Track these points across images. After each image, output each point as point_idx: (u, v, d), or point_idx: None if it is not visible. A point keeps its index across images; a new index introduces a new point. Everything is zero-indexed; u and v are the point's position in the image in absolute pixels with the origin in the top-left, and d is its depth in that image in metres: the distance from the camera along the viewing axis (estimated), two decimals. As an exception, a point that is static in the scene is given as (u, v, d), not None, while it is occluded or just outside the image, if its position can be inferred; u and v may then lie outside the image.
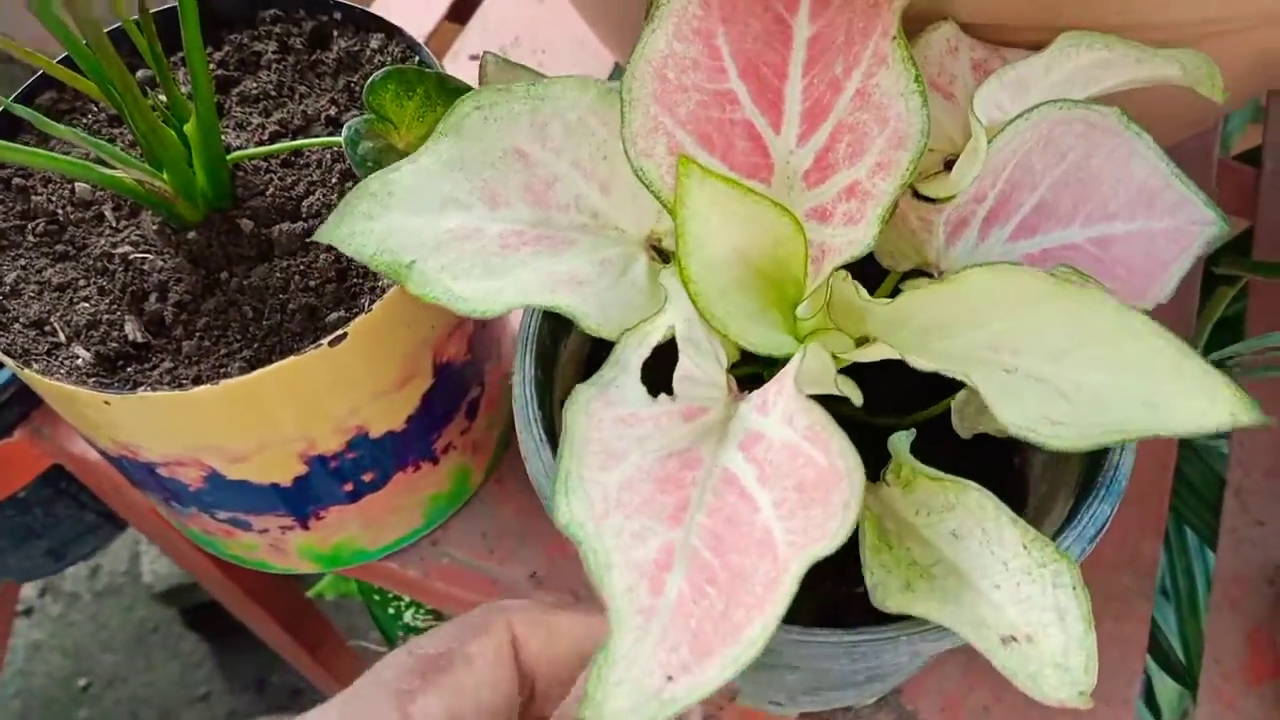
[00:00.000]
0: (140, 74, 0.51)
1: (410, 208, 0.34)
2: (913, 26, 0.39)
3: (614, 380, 0.30)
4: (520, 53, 0.71)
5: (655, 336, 0.31)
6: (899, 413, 0.40)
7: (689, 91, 0.35)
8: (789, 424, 0.29)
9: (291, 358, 0.41)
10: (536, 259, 0.35)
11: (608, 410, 0.29)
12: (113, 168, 0.43)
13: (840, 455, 0.27)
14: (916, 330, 0.34)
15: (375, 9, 0.75)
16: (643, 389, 0.30)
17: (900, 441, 0.35)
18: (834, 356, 0.34)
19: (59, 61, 0.47)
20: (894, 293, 0.36)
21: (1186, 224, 0.39)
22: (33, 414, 0.60)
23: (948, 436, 0.39)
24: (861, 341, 0.35)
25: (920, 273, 0.40)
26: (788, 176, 0.36)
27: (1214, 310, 0.56)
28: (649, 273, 0.36)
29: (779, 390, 0.30)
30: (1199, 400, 0.30)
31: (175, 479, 0.46)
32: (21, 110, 0.39)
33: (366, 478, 0.49)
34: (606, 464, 0.28)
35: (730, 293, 0.35)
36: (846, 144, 0.35)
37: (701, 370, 0.32)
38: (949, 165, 0.40)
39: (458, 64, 0.72)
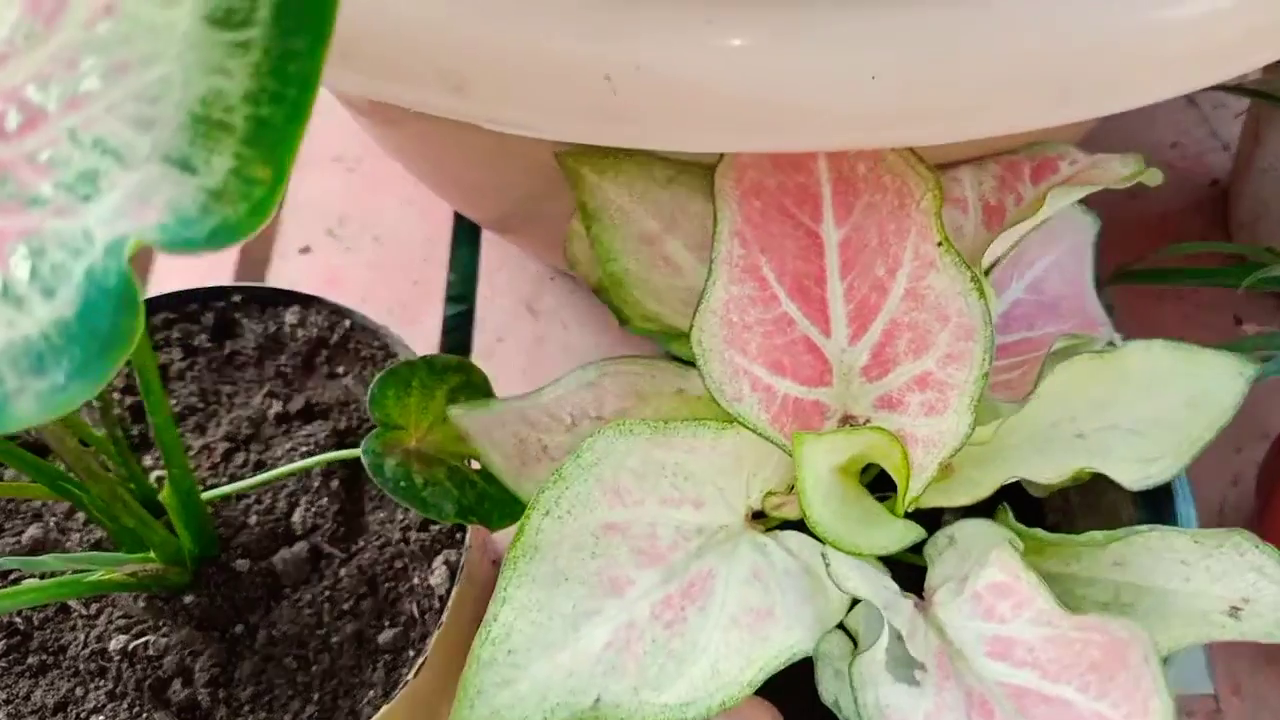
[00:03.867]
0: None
1: (542, 650, 0.31)
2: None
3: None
4: (351, 230, 0.67)
5: (882, 652, 0.32)
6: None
7: (753, 328, 0.35)
8: (1048, 625, 0.31)
9: (385, 708, 0.38)
10: (704, 617, 0.33)
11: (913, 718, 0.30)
12: (89, 571, 0.38)
13: (1123, 627, 0.30)
14: (999, 449, 0.37)
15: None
16: (903, 690, 0.31)
17: (1009, 521, 0.37)
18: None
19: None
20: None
21: (1075, 237, 0.45)
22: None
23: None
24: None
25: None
26: (844, 374, 0.37)
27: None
28: (754, 547, 0.36)
29: (1020, 602, 0.32)
30: (1224, 369, 0.37)
31: None
32: (10, 561, 0.34)
33: (436, 763, 0.46)
34: None
35: (845, 508, 0.36)
36: (907, 340, 0.36)
37: (902, 619, 0.33)
38: None
39: (289, 261, 0.67)
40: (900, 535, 0.36)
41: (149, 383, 0.36)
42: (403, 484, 0.38)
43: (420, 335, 0.64)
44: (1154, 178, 0.42)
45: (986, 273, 0.37)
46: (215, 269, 0.66)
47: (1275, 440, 0.57)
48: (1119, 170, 0.42)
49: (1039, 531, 0.37)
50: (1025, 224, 0.38)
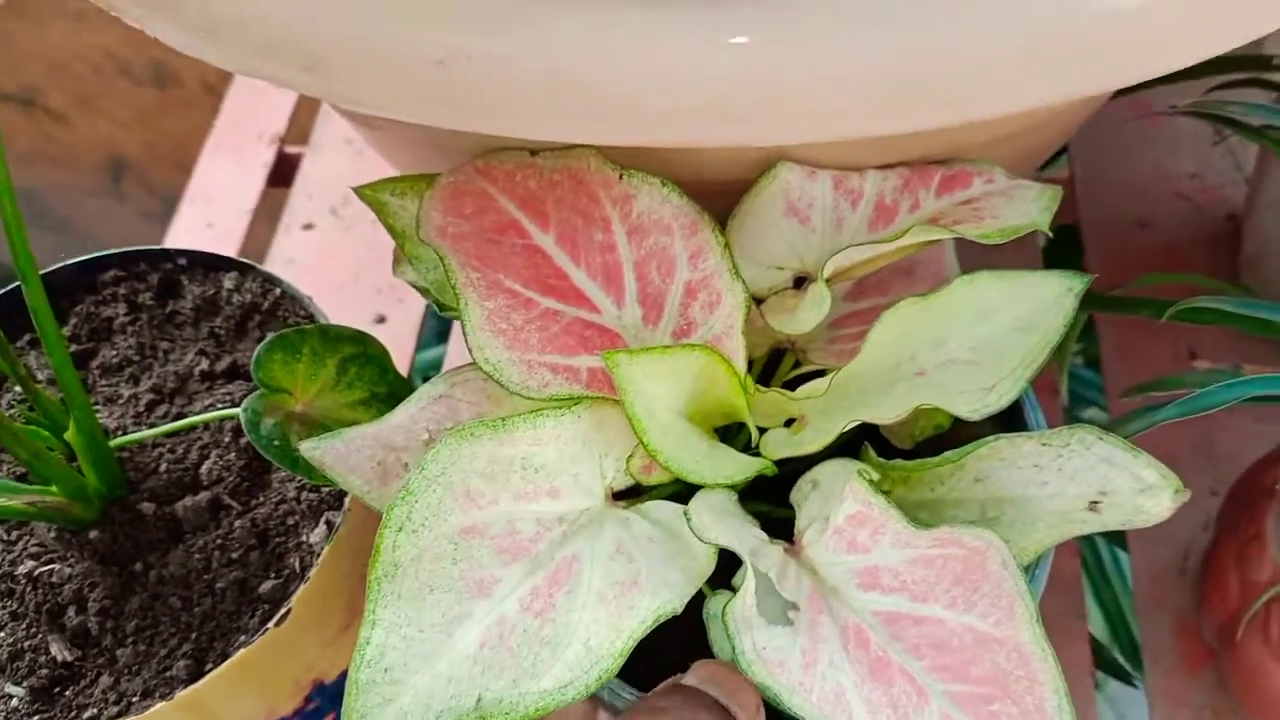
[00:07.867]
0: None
1: (419, 662, 0.32)
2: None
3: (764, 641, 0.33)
4: (352, 212, 0.70)
5: (750, 597, 0.33)
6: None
7: (525, 329, 0.36)
8: (907, 546, 0.33)
9: (241, 651, 0.40)
10: (571, 600, 0.33)
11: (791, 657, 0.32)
12: (-4, 495, 0.41)
13: (976, 536, 0.32)
14: (844, 398, 0.38)
15: (192, 187, 0.74)
16: (778, 631, 0.33)
17: (871, 458, 0.38)
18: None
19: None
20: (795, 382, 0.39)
21: None
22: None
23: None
24: (789, 423, 0.39)
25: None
26: (633, 333, 0.38)
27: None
28: (617, 523, 0.36)
29: (876, 529, 0.33)
30: (1050, 289, 0.38)
31: (136, 782, 0.45)
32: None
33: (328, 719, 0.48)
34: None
35: (689, 442, 0.37)
36: (655, 270, 0.38)
37: (771, 563, 0.34)
38: (798, 283, 0.41)
39: (291, 235, 0.70)
40: (746, 465, 0.37)
41: (43, 324, 0.39)
42: (276, 443, 0.40)
43: (406, 315, 0.67)
44: (1043, 226, 0.41)
45: (829, 280, 0.37)
46: (225, 238, 0.70)
47: (1234, 484, 0.55)
48: (1033, 202, 0.41)
49: (899, 461, 0.37)
50: (881, 247, 0.38)
